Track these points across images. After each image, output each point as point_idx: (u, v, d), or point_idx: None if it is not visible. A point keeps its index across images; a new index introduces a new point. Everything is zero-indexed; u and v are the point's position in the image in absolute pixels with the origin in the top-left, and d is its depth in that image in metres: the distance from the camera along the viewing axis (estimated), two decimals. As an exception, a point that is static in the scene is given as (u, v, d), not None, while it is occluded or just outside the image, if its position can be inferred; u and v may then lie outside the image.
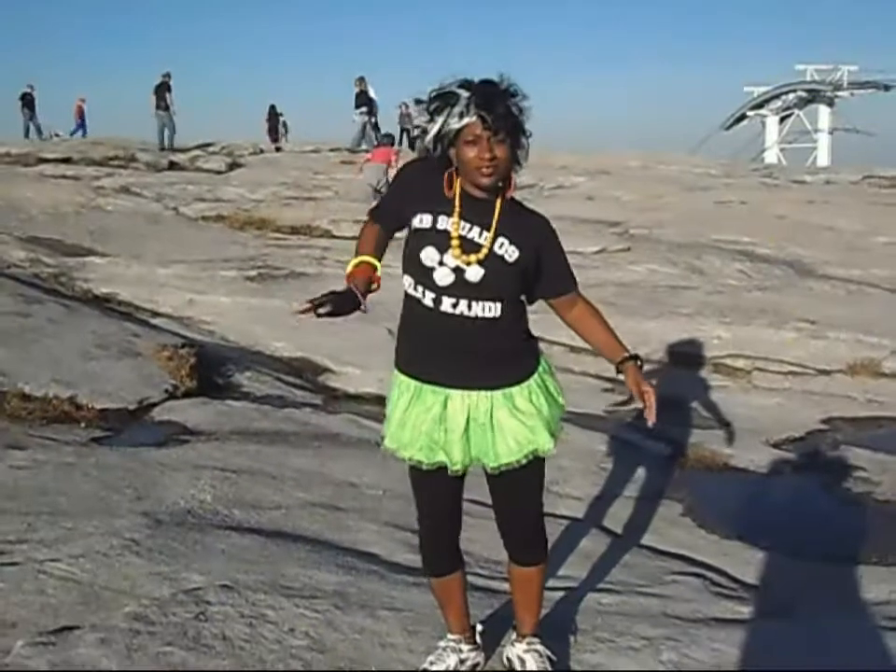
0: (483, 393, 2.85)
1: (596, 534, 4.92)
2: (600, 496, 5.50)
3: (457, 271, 2.76)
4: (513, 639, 3.23)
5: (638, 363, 2.94)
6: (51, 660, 3.06)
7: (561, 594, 3.94)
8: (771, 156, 51.60)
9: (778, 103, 55.40)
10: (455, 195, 2.80)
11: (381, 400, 7.23)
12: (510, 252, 2.79)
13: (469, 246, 2.77)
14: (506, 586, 3.77)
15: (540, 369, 2.96)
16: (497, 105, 2.68)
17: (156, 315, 9.61)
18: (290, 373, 8.18)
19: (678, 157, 25.76)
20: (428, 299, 2.80)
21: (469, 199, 2.80)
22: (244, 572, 3.80)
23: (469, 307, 2.78)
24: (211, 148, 24.10)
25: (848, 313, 10.15)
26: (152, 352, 7.62)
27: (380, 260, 2.91)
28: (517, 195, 2.88)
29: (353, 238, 12.21)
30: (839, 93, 53.65)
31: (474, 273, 2.76)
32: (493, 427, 2.85)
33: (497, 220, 2.80)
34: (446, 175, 2.79)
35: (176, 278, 11.01)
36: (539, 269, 2.88)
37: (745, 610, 4.02)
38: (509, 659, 3.21)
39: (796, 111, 55.51)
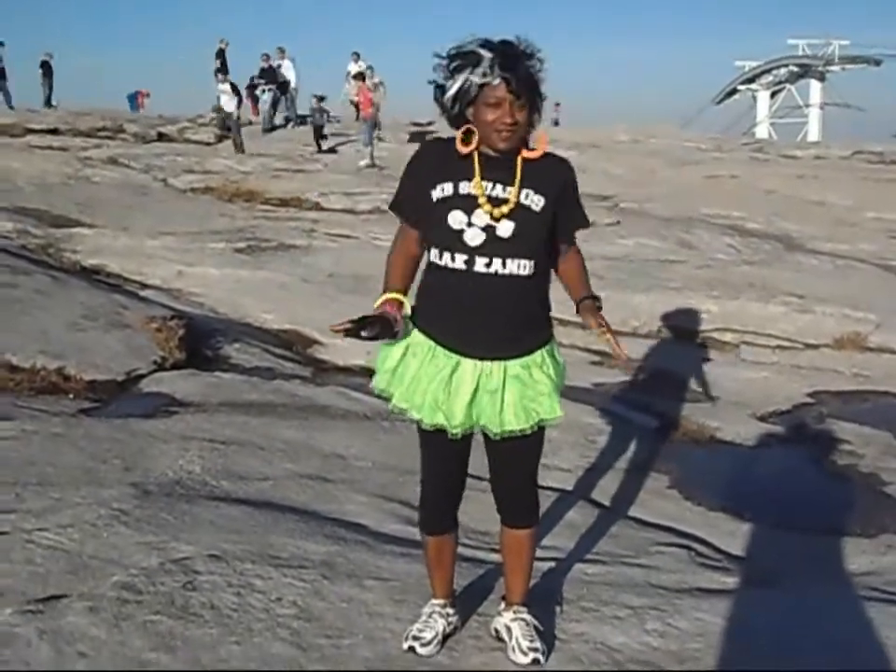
0: (496, 363, 2.85)
1: (584, 505, 4.95)
2: (588, 468, 5.53)
3: (488, 229, 2.78)
4: (501, 609, 3.25)
5: (597, 304, 2.91)
6: (39, 628, 3.07)
7: (548, 564, 3.96)
8: (762, 130, 51.47)
9: (769, 77, 55.26)
10: (473, 159, 2.81)
11: (369, 373, 7.29)
12: (535, 201, 2.82)
13: (495, 202, 2.79)
14: (492, 556, 3.81)
15: (553, 339, 2.99)
16: (520, 68, 2.70)
17: (144, 286, 9.60)
18: (279, 345, 8.18)
19: (668, 131, 25.70)
20: (460, 261, 2.79)
21: (487, 159, 2.82)
22: (232, 542, 3.82)
23: (504, 265, 2.78)
24: (200, 120, 23.93)
25: (836, 287, 10.19)
26: (141, 324, 7.61)
27: (406, 292, 2.91)
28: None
29: (342, 211, 12.24)
30: (830, 68, 53.51)
31: (505, 229, 2.78)
32: (504, 395, 2.85)
33: (521, 174, 2.82)
34: (462, 130, 2.81)
35: (165, 250, 10.98)
36: (556, 210, 2.90)
37: (729, 581, 4.06)
38: (496, 629, 3.24)
39: (787, 86, 55.38)
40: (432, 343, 2.88)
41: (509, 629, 3.15)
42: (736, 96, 56.81)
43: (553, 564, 3.99)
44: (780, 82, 55.35)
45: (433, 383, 2.85)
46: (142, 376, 6.73)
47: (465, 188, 2.80)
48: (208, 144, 20.70)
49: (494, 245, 2.78)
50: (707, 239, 12.59)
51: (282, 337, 8.47)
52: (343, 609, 3.37)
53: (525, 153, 2.84)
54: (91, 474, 4.57)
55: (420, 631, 3.14)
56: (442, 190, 2.81)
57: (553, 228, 2.90)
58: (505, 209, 2.78)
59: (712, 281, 10.20)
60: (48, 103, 25.54)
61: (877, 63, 53.20)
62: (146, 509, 4.12)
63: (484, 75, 2.68)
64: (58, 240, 11.07)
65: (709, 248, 12.18)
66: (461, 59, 2.73)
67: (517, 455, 3.00)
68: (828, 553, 4.61)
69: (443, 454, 3.01)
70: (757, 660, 3.22)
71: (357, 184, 15.72)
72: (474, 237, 2.77)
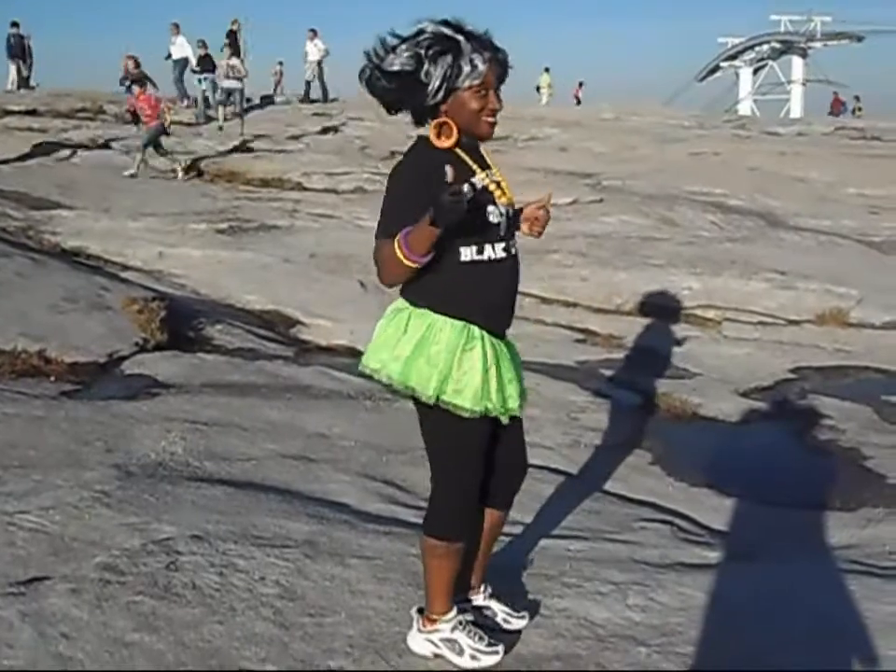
0: (503, 340, 2.85)
1: (566, 482, 4.96)
2: (571, 445, 5.54)
3: (506, 215, 2.78)
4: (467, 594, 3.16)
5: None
6: (22, 610, 3.06)
7: (530, 541, 3.98)
8: (744, 107, 51.44)
9: (752, 54, 55.19)
10: (457, 152, 2.71)
11: (352, 352, 7.31)
12: (507, 182, 2.86)
13: (499, 188, 2.79)
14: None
15: None
16: (499, 53, 2.66)
17: (126, 268, 9.53)
18: (262, 326, 8.15)
19: (651, 108, 25.66)
20: (499, 250, 2.74)
21: (467, 150, 2.75)
22: (214, 523, 3.82)
23: (515, 245, 2.83)
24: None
25: (818, 263, 10.23)
26: (122, 305, 7.56)
27: None
28: (489, 146, 2.90)
29: (324, 191, 12.11)
30: (812, 44, 53.46)
31: (514, 211, 2.85)
32: (517, 371, 2.86)
33: (490, 158, 2.85)
34: (438, 122, 2.67)
35: (146, 231, 10.91)
36: None
37: (712, 555, 4.08)
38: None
39: (770, 62, 55.35)
40: (480, 332, 2.72)
41: (487, 608, 3.13)
42: (719, 73, 56.73)
43: (535, 540, 4.00)
44: (763, 59, 55.29)
45: (490, 370, 2.73)
46: (123, 358, 6.70)
47: (477, 182, 2.60)
48: (189, 125, 20.53)
49: (510, 229, 2.80)
50: (690, 216, 12.61)
51: (264, 318, 8.44)
52: (326, 587, 3.37)
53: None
54: (73, 456, 4.55)
55: (493, 649, 2.91)
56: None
57: None
58: (509, 193, 2.80)
59: (695, 258, 10.21)
60: (26, 84, 25.27)
61: (859, 39, 53.17)
62: (128, 490, 4.11)
63: (473, 63, 2.58)
64: (38, 222, 10.98)
65: (692, 225, 12.21)
66: (438, 45, 2.58)
67: (521, 431, 2.99)
68: (809, 528, 4.64)
69: (484, 445, 2.83)
70: (739, 633, 3.25)
71: (340, 164, 15.64)
72: (503, 226, 2.76)
